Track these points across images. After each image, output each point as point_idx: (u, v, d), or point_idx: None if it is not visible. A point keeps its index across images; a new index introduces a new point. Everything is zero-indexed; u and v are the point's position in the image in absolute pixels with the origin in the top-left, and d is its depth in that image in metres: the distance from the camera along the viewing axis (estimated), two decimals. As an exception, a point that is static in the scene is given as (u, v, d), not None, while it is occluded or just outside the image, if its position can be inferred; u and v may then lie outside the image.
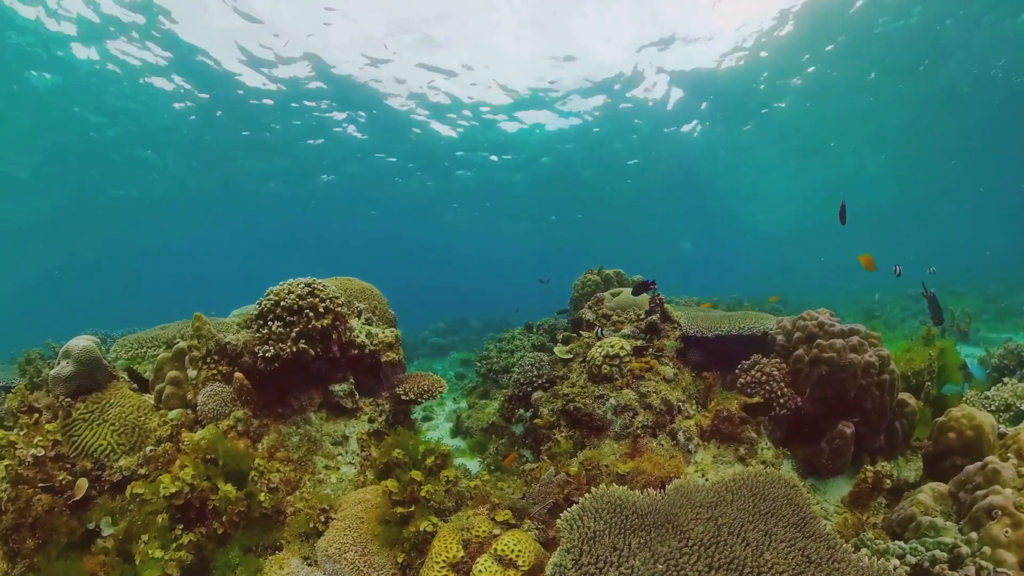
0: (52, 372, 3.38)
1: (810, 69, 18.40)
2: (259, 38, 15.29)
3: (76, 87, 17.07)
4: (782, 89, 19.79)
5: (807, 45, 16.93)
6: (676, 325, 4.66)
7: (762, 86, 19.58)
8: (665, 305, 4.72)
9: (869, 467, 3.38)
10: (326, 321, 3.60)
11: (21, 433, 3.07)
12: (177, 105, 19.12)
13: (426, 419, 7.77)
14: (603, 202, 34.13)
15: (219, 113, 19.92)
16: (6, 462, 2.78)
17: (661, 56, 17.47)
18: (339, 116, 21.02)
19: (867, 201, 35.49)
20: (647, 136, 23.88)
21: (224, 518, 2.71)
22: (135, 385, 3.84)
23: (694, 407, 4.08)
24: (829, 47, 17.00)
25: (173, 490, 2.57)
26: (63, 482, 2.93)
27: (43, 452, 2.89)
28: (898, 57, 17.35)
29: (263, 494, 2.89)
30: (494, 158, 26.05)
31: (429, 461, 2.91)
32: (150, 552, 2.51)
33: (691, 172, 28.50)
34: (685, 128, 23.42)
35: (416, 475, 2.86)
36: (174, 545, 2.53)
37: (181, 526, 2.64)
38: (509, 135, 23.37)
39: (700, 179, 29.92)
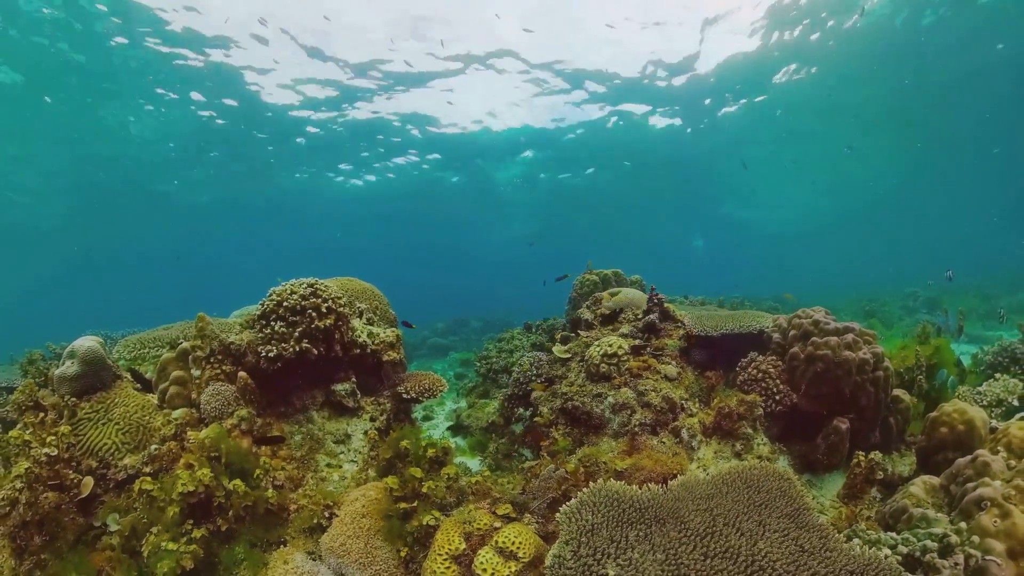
0: (57, 372, 3.42)
1: (814, 69, 18.55)
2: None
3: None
4: (785, 91, 19.93)
5: (811, 44, 17.07)
6: (679, 324, 4.70)
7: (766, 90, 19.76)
8: (666, 304, 4.77)
9: (862, 455, 3.42)
10: (328, 321, 3.65)
11: (28, 433, 3.11)
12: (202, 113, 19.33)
13: (426, 418, 7.81)
14: (610, 200, 34.15)
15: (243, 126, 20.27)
16: (24, 464, 2.81)
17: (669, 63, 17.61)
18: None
19: (868, 201, 35.59)
20: (656, 137, 24.01)
21: (231, 513, 2.76)
22: (138, 385, 3.88)
23: (697, 405, 4.13)
24: (831, 44, 17.13)
25: (191, 488, 2.61)
26: (72, 480, 2.97)
27: (56, 452, 2.93)
28: (897, 54, 17.49)
29: (270, 490, 2.94)
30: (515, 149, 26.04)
31: (431, 452, 2.96)
32: (163, 544, 2.54)
33: (702, 170, 28.59)
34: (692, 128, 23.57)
35: (416, 472, 2.90)
36: (184, 539, 2.58)
37: (191, 522, 2.69)
38: (509, 136, 23.43)
39: (710, 178, 30.02)
